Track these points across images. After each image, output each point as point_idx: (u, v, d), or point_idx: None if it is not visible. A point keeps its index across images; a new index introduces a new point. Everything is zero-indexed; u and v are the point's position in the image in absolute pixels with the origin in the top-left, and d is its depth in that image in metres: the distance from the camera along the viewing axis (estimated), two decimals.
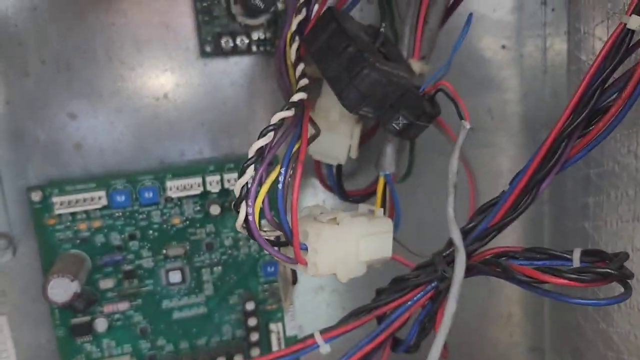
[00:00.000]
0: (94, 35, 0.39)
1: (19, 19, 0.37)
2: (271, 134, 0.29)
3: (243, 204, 0.28)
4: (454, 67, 0.45)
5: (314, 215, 0.32)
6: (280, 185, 0.29)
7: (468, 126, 0.31)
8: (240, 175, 0.28)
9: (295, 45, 0.35)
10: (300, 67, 0.34)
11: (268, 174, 0.29)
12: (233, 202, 0.29)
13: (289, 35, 0.35)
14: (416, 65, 0.37)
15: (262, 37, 0.40)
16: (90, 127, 0.40)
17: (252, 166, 0.28)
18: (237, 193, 0.29)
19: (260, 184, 0.29)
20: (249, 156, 0.28)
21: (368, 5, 0.43)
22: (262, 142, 0.29)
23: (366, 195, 0.41)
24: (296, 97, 0.31)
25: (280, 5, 0.40)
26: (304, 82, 0.32)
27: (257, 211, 0.29)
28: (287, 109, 0.30)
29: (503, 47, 0.47)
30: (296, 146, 0.30)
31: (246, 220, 0.29)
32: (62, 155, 0.39)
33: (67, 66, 0.38)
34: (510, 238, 0.49)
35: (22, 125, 0.38)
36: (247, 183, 0.28)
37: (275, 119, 0.29)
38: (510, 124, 0.48)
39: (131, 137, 0.40)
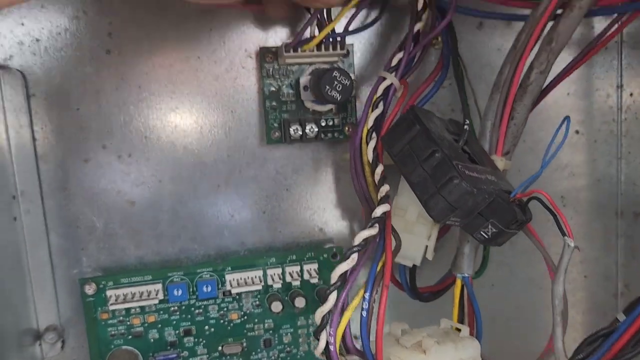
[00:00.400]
0: (155, 121, 0.37)
1: (81, 103, 0.36)
2: (355, 256, 0.27)
3: (324, 333, 0.26)
4: (525, 152, 0.44)
5: (395, 336, 0.29)
6: (364, 313, 0.27)
7: (572, 244, 0.28)
8: (323, 302, 0.26)
9: (372, 144, 0.33)
10: (379, 169, 0.31)
11: (351, 299, 0.27)
12: (313, 330, 0.26)
13: (364, 132, 0.33)
14: (499, 162, 0.35)
15: (331, 123, 0.39)
16: (149, 214, 0.38)
17: (335, 293, 0.26)
18: (317, 321, 0.26)
19: (342, 312, 0.26)
20: (332, 282, 0.26)
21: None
22: (345, 266, 0.26)
23: (437, 293, 0.38)
24: (379, 210, 0.28)
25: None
26: (386, 189, 0.30)
27: (339, 340, 0.26)
28: (371, 227, 0.28)
29: (577, 132, 0.45)
30: (379, 265, 0.28)
31: (327, 348, 0.26)
32: (118, 243, 0.38)
33: (129, 153, 0.37)
34: None
35: (79, 212, 0.37)
36: (329, 311, 0.26)
37: (358, 239, 0.27)
38: (584, 210, 0.46)
39: (190, 225, 0.38)
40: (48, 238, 0.36)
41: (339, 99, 0.34)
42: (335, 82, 0.34)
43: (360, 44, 0.40)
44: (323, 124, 0.38)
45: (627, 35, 0.44)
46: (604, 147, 0.45)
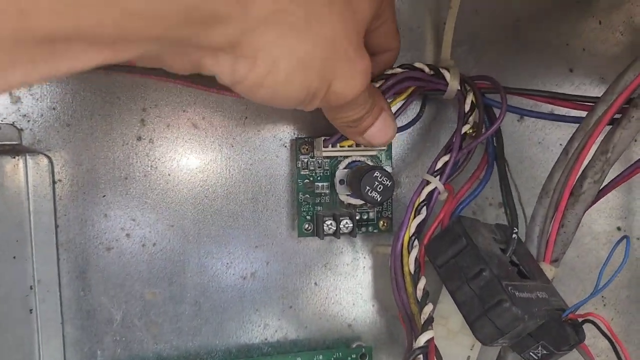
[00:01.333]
0: (179, 212, 0.35)
1: (107, 187, 0.34)
2: None
3: None
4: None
5: None
6: None
7: None
8: None
9: (414, 253, 0.31)
10: (422, 284, 0.29)
11: None
12: None
13: (406, 239, 0.31)
14: (548, 271, 0.33)
15: (365, 217, 0.37)
16: (169, 307, 0.36)
17: None
18: None
19: None
20: None
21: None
22: None
23: None
24: (422, 339, 0.26)
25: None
26: (429, 310, 0.28)
27: None
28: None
29: (618, 228, 0.43)
30: None
31: None
32: (136, 336, 0.35)
33: (153, 242, 0.35)
34: None
35: (96, 303, 0.35)
36: None
37: None
38: (625, 310, 0.43)
39: (213, 318, 0.36)
40: (63, 329, 0.34)
41: (379, 199, 0.33)
42: (376, 183, 0.32)
43: (399, 136, 0.38)
44: (357, 217, 0.37)
45: None
46: None
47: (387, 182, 0.33)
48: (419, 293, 0.29)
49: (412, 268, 0.30)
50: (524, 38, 0.40)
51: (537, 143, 0.41)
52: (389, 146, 0.37)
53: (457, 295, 0.28)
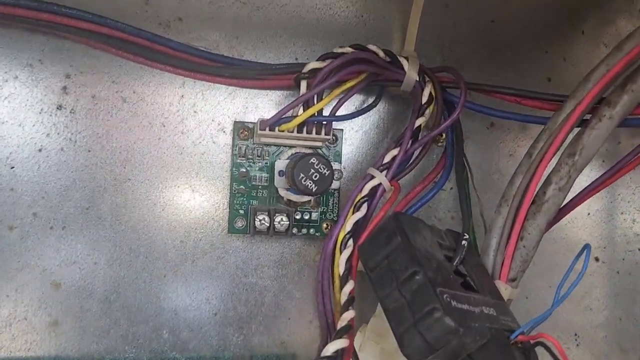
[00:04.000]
0: (99, 191, 0.32)
1: (16, 158, 0.31)
2: None
3: None
4: (534, 276, 0.37)
5: None
6: None
7: None
8: None
9: (346, 253, 0.27)
10: (348, 288, 0.25)
11: None
12: None
13: (340, 237, 0.27)
14: (503, 290, 0.28)
15: (307, 217, 0.33)
16: (74, 302, 0.31)
17: None
18: None
19: None
20: None
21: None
22: None
23: None
24: (330, 348, 0.22)
25: (335, 183, 0.32)
26: (349, 317, 0.23)
27: None
28: None
29: (596, 259, 0.38)
30: None
31: None
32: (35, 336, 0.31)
33: (62, 225, 0.31)
34: None
35: None
36: None
37: None
38: (601, 353, 0.38)
39: (123, 319, 0.32)
40: None
41: (314, 190, 0.29)
42: (312, 171, 0.29)
43: (352, 131, 0.35)
44: (297, 217, 0.32)
45: None
46: (627, 279, 0.39)
47: (325, 171, 0.29)
48: (344, 297, 0.25)
49: (341, 270, 0.26)
50: (499, 40, 0.37)
51: (508, 155, 0.37)
52: (339, 140, 0.34)
53: (386, 303, 0.24)
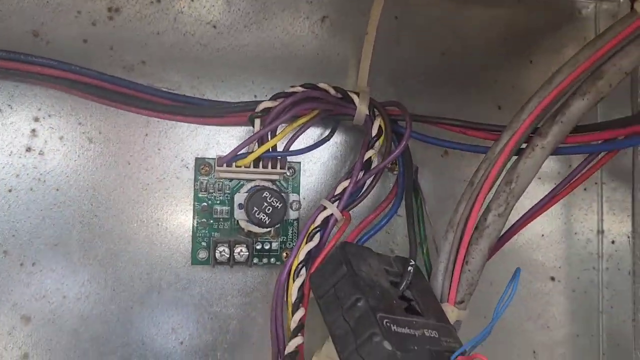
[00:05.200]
0: (67, 227, 0.33)
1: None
2: None
3: None
4: (493, 298, 0.38)
5: None
6: None
7: None
8: None
9: (299, 282, 0.28)
10: (298, 315, 0.26)
11: None
12: None
13: (293, 266, 0.29)
14: (451, 313, 0.30)
15: (267, 247, 0.34)
16: (42, 335, 0.32)
17: None
18: None
19: None
20: None
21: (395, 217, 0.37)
22: None
23: None
24: None
25: (293, 214, 0.34)
26: (295, 344, 0.25)
27: None
28: None
29: (552, 279, 0.40)
30: None
31: None
32: None
33: (32, 262, 0.32)
34: None
35: None
36: None
37: None
38: None
39: (92, 350, 0.33)
40: None
41: (267, 222, 0.30)
42: (265, 204, 0.30)
43: (310, 163, 0.36)
44: (258, 247, 0.34)
45: (608, 177, 0.40)
46: (582, 298, 0.40)
47: (278, 204, 0.30)
48: (293, 324, 0.26)
49: (293, 298, 0.28)
50: (450, 71, 0.39)
51: (462, 180, 0.39)
52: (297, 172, 0.35)
53: (333, 329, 0.26)
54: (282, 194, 0.31)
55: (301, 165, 0.36)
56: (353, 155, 0.37)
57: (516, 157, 0.30)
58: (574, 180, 0.31)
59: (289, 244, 0.35)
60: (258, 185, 0.33)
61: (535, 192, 0.35)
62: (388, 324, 0.24)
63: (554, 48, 0.41)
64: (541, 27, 0.41)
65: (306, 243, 0.29)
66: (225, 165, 0.32)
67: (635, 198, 0.40)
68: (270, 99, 0.32)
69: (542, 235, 0.40)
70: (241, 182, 0.34)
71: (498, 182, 0.30)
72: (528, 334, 0.39)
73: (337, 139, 0.37)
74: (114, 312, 0.33)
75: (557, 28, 0.41)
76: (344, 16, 0.37)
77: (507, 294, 0.27)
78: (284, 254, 0.34)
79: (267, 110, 0.31)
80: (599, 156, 0.31)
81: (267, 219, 0.30)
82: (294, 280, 0.28)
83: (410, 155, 0.34)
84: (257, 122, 0.31)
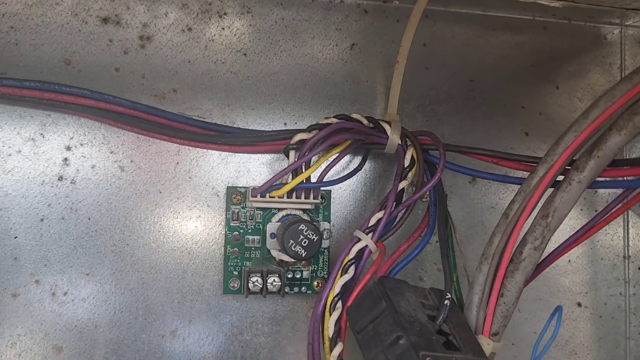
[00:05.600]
0: (99, 257, 0.33)
1: (19, 228, 0.32)
2: None
3: None
4: (520, 323, 0.38)
5: None
6: None
7: None
8: None
9: (335, 315, 0.28)
10: (338, 350, 0.26)
11: None
12: None
13: (329, 300, 0.29)
14: (486, 345, 0.30)
15: (298, 276, 0.34)
16: None
17: None
18: None
19: None
20: None
21: None
22: None
23: None
24: None
25: (324, 242, 0.34)
26: None
27: None
28: None
29: (579, 304, 0.40)
30: None
31: None
32: None
33: (64, 291, 0.32)
34: None
35: None
36: None
37: None
38: None
39: None
40: None
41: (303, 255, 0.30)
42: (301, 237, 0.30)
43: (340, 191, 0.36)
44: (289, 275, 0.34)
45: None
46: (610, 323, 0.40)
47: (314, 237, 0.30)
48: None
49: (331, 332, 0.28)
50: (478, 98, 0.39)
51: (490, 207, 0.39)
52: (327, 200, 0.35)
53: None
54: (316, 225, 0.31)
55: (331, 193, 0.36)
56: (382, 182, 0.37)
57: (552, 189, 0.30)
58: (609, 214, 0.31)
59: (320, 273, 0.35)
60: (290, 214, 0.33)
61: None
62: None
63: (580, 74, 0.41)
64: (566, 53, 0.41)
65: (341, 276, 0.29)
66: (259, 195, 0.32)
67: None
68: (305, 131, 0.32)
69: (569, 260, 0.40)
70: (272, 211, 0.34)
71: (533, 215, 0.30)
72: None
73: (366, 165, 0.37)
74: (145, 341, 0.33)
75: (583, 53, 0.41)
76: (372, 43, 0.37)
77: (547, 332, 0.26)
78: (315, 283, 0.34)
79: (302, 141, 0.31)
80: (635, 191, 0.31)
81: (303, 251, 0.30)
82: (330, 314, 0.28)
83: (442, 184, 0.34)
84: (292, 153, 0.31)
